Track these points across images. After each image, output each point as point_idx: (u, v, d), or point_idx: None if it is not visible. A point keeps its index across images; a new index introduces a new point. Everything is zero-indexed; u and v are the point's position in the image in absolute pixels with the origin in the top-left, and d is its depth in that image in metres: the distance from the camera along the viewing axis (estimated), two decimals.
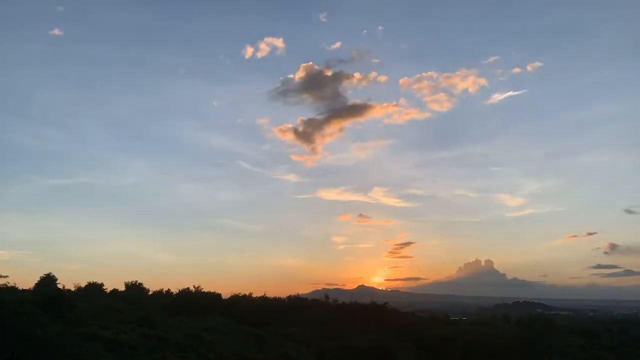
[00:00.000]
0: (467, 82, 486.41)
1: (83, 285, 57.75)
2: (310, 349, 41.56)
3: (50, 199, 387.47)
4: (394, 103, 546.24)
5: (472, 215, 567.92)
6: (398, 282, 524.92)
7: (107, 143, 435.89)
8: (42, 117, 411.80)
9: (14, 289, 33.50)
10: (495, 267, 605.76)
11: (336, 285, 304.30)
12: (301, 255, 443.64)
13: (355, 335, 44.23)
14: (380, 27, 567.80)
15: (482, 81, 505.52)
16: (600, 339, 56.52)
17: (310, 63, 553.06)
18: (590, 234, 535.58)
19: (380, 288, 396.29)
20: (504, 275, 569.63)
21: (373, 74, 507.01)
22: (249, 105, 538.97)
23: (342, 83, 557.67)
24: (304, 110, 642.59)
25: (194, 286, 61.28)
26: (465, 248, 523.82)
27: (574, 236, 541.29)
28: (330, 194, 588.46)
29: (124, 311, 43.67)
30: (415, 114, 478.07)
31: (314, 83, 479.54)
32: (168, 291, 64.11)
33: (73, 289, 54.70)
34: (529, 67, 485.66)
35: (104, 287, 60.67)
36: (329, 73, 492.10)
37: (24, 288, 44.16)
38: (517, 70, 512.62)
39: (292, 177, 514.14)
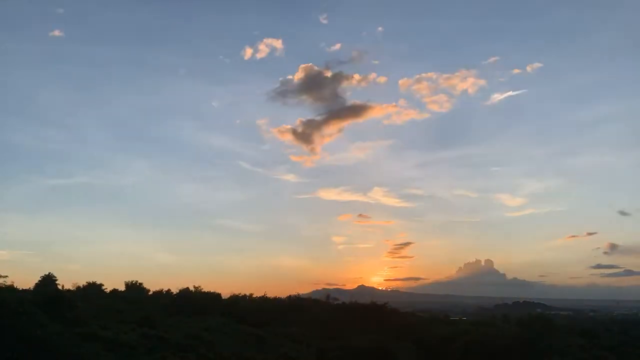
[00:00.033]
0: (467, 82, 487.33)
1: (83, 285, 57.92)
2: (310, 349, 41.56)
3: (50, 199, 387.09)
4: (394, 104, 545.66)
5: (472, 215, 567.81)
6: (398, 282, 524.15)
7: (107, 143, 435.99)
8: (42, 117, 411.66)
9: (14, 289, 33.58)
10: (495, 267, 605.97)
11: (336, 285, 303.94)
12: (301, 255, 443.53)
13: (355, 335, 44.25)
14: (379, 28, 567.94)
15: (482, 81, 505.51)
16: (600, 339, 56.51)
17: (310, 64, 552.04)
18: (590, 234, 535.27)
19: (380, 288, 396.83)
20: (504, 275, 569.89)
21: (372, 75, 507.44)
22: (248, 106, 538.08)
23: (342, 84, 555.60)
24: (303, 111, 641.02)
25: (194, 286, 61.56)
26: (465, 248, 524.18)
27: (574, 236, 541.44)
28: (330, 194, 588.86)
29: (124, 311, 43.69)
30: (414, 115, 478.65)
31: (313, 84, 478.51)
32: (168, 291, 64.30)
33: (73, 289, 54.80)
34: (528, 68, 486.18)
35: (104, 287, 60.84)
36: (329, 74, 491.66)
37: (24, 288, 44.31)
38: (517, 71, 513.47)
39: (291, 177, 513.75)
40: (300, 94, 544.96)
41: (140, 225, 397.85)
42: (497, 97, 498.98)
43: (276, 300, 68.59)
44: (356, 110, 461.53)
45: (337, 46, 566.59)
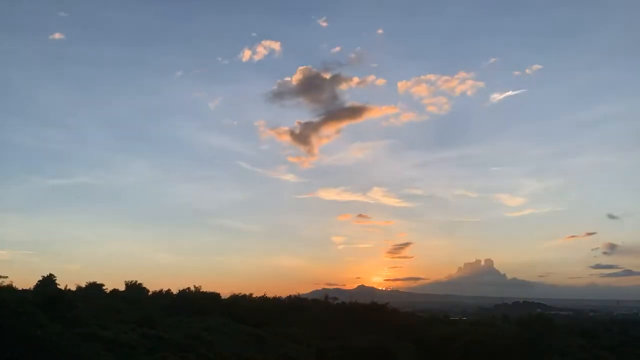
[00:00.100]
0: (466, 84, 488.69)
1: (83, 285, 57.89)
2: (310, 349, 41.54)
3: (50, 199, 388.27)
4: (393, 106, 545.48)
5: (472, 215, 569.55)
6: (398, 282, 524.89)
7: (107, 143, 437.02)
8: (42, 117, 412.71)
9: (13, 289, 33.55)
10: (495, 267, 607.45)
11: (336, 285, 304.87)
12: (301, 255, 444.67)
13: (355, 335, 44.26)
14: (378, 31, 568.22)
15: (482, 82, 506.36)
16: (600, 339, 56.46)
17: (308, 66, 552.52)
18: (589, 234, 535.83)
19: (380, 288, 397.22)
20: (504, 275, 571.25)
21: (371, 77, 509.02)
22: (246, 107, 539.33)
23: (340, 86, 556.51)
24: (301, 112, 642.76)
25: (194, 286, 61.54)
26: (465, 248, 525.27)
27: (573, 236, 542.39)
28: (329, 194, 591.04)
29: (123, 311, 43.65)
30: (413, 117, 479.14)
31: (311, 86, 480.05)
32: (168, 291, 64.29)
33: (73, 289, 54.76)
34: (527, 69, 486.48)
35: (104, 287, 60.74)
36: (327, 76, 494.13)
37: (24, 288, 44.25)
38: (516, 72, 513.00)
39: (291, 177, 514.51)
40: (298, 95, 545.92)
41: (140, 225, 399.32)
42: (497, 97, 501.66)
43: (276, 300, 68.61)
44: (354, 112, 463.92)
45: (336, 48, 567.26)
